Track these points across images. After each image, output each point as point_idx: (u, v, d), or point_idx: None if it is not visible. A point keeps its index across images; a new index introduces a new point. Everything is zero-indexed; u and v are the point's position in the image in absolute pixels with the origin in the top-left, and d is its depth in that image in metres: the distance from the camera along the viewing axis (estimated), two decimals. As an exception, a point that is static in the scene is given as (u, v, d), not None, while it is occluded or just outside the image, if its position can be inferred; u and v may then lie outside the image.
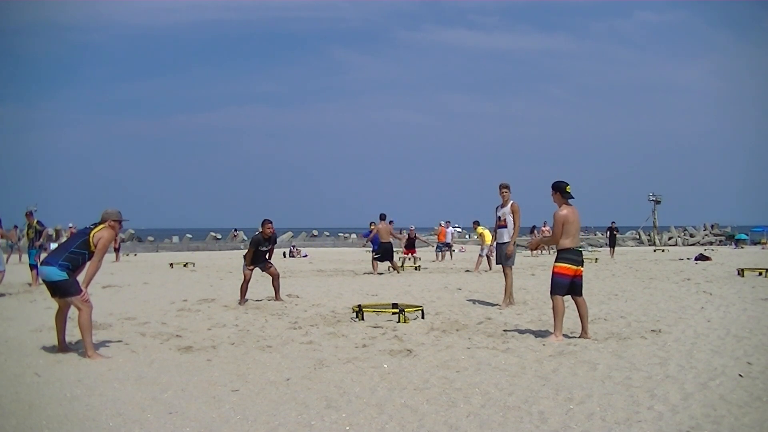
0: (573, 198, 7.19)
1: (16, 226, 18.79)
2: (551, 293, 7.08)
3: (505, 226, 10.08)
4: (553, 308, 7.08)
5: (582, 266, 7.14)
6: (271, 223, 11.04)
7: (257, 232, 11.08)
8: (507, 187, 10.15)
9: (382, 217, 17.79)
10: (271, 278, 11.19)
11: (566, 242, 7.02)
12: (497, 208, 10.27)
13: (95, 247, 6.38)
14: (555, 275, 7.05)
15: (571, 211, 7.07)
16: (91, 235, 6.41)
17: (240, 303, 10.61)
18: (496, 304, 10.09)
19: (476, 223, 20.19)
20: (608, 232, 29.63)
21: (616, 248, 28.95)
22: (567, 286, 7.02)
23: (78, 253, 6.36)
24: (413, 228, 24.39)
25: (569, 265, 7.02)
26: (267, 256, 11.17)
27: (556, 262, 7.10)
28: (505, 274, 10.12)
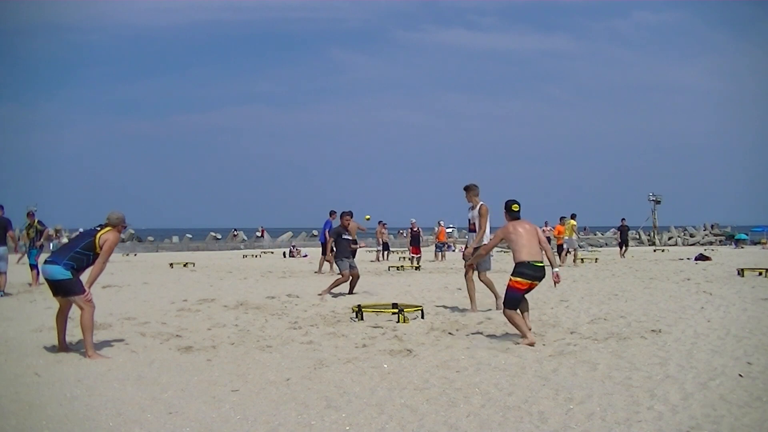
0: (519, 218, 7.31)
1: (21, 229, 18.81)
2: (506, 306, 6.99)
3: (476, 230, 9.42)
4: (512, 321, 6.99)
5: (538, 281, 7.06)
6: (350, 215, 11.89)
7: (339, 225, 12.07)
8: (467, 189, 9.55)
9: (350, 215, 17.78)
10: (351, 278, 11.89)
11: (521, 255, 6.99)
12: (469, 210, 9.67)
13: (101, 248, 6.42)
14: (510, 288, 6.99)
15: (519, 224, 7.21)
16: (97, 236, 6.44)
17: (321, 295, 11.37)
18: (489, 309, 9.86)
19: (573, 216, 21.54)
20: (619, 231, 28.04)
21: (627, 248, 27.34)
22: (520, 300, 7.03)
23: (83, 253, 6.39)
24: (414, 221, 24.30)
25: (523, 280, 6.96)
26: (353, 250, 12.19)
27: (512, 275, 7.03)
28: (482, 281, 9.51)
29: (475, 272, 9.50)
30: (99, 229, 6.54)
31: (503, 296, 7.17)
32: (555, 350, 6.47)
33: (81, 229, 31.88)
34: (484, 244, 8.87)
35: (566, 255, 20.88)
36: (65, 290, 6.31)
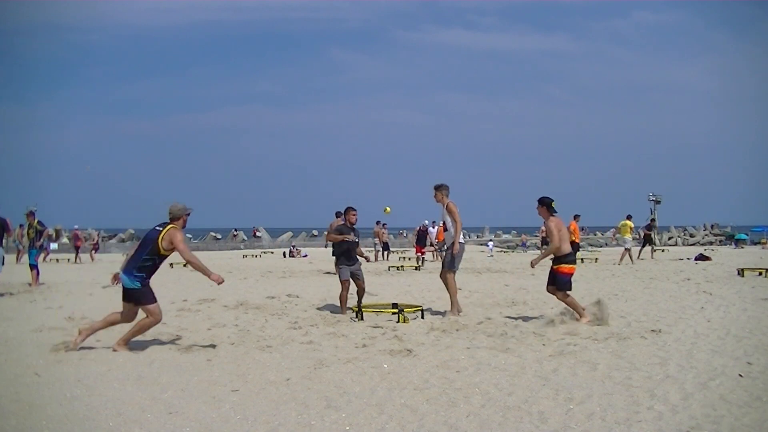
0: (557, 212, 8.36)
1: (21, 225, 18.84)
2: (565, 290, 8.15)
3: (447, 230, 9.13)
4: (570, 302, 8.13)
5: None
6: (355, 210, 9.71)
7: (341, 222, 10.03)
8: (436, 188, 9.13)
9: (338, 215, 17.20)
10: (356, 289, 9.86)
11: (566, 246, 8.16)
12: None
13: (165, 251, 6.62)
14: (565, 274, 8.18)
15: (557, 220, 8.28)
16: (160, 240, 6.58)
17: (343, 312, 9.55)
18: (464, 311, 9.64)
19: (629, 217, 22.50)
20: (644, 231, 25.58)
21: (648, 248, 25.14)
22: (572, 283, 8.30)
23: (149, 260, 6.61)
24: (426, 222, 24.47)
25: (574, 266, 8.32)
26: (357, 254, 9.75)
27: (562, 263, 8.17)
28: (442, 278, 9.22)
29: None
30: (160, 229, 6.66)
31: (560, 283, 8.15)
32: (555, 350, 6.47)
33: (89, 229, 31.77)
34: (558, 248, 8.27)
35: (626, 254, 21.12)
36: (135, 299, 6.60)
